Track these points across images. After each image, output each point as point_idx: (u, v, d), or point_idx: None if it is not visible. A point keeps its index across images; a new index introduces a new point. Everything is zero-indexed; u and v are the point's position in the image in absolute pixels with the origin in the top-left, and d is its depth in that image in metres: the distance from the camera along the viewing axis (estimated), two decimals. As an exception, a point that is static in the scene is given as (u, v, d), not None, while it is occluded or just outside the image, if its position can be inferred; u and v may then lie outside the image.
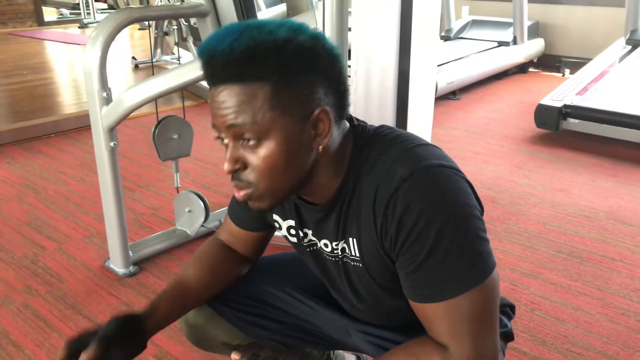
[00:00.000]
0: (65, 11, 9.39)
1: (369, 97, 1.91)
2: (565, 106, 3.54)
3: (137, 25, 8.48)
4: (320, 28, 1.70)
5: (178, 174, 2.29)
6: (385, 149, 0.86)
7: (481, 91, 4.89)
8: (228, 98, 0.78)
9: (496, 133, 3.80)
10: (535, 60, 5.63)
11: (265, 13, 5.59)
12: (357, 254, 0.92)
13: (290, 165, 0.82)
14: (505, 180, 2.97)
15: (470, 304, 0.80)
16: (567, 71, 5.35)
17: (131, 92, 1.77)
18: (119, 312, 0.98)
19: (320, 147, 0.83)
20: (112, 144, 1.89)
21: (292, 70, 0.78)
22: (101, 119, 1.84)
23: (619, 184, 2.92)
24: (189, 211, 2.28)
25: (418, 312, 0.86)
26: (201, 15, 2.05)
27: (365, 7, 1.82)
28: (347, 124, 0.90)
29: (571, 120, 3.55)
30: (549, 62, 5.64)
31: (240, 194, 0.85)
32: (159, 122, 2.10)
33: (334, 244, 0.95)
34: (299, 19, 1.75)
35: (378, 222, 0.85)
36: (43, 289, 1.99)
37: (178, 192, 2.31)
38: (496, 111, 4.34)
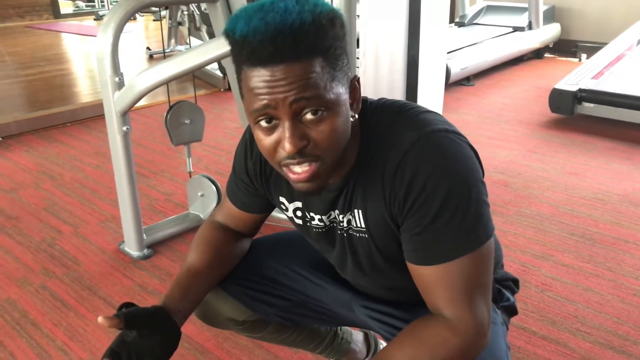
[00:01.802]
0: (81, 3, 9.48)
1: (378, 80, 1.91)
2: (580, 90, 3.50)
3: (151, 17, 8.53)
4: (328, 10, 1.70)
5: (190, 158, 2.32)
6: (392, 119, 0.88)
7: (496, 77, 4.85)
8: (291, 73, 0.74)
9: (510, 118, 3.77)
10: (551, 46, 5.56)
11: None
12: (363, 225, 0.94)
13: (346, 134, 0.83)
14: (518, 164, 2.96)
15: (467, 267, 0.82)
16: (584, 56, 5.27)
17: (143, 76, 1.79)
18: (137, 307, 0.96)
19: (356, 115, 0.85)
20: (125, 128, 1.92)
21: (340, 41, 0.79)
22: (114, 103, 1.87)
23: (633, 167, 2.89)
24: (202, 195, 2.31)
25: (416, 276, 0.88)
26: (211, 0, 2.07)
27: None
28: None
29: (586, 104, 3.51)
30: (565, 47, 5.56)
31: (304, 174, 0.81)
32: (170, 107, 2.13)
33: (340, 216, 0.97)
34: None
35: (387, 188, 0.86)
36: (60, 271, 2.04)
37: (190, 176, 2.34)
38: (510, 96, 4.30)
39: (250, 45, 0.74)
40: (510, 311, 1.14)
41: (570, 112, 3.55)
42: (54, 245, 2.22)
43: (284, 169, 0.83)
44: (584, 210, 2.42)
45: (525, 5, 5.28)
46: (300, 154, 0.79)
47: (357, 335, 1.50)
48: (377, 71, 1.86)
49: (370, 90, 1.86)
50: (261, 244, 1.24)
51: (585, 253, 2.09)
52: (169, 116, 2.13)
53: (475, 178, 0.84)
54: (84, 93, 4.57)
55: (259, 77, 0.76)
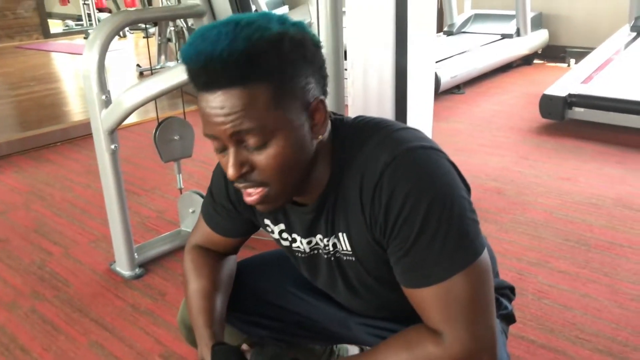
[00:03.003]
0: (71, 23, 9.49)
1: (367, 91, 1.90)
2: (570, 95, 3.51)
3: (141, 34, 8.54)
4: (314, 23, 1.70)
5: (181, 175, 2.30)
6: (366, 139, 0.85)
7: (486, 84, 4.86)
8: (228, 103, 0.74)
9: (501, 125, 3.77)
10: (539, 52, 5.59)
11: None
12: (349, 248, 0.91)
13: (298, 161, 0.81)
14: (511, 171, 2.95)
15: (461, 286, 0.79)
16: (573, 61, 5.30)
17: (130, 93, 1.77)
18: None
19: (320, 137, 0.83)
20: (113, 146, 1.90)
21: (291, 64, 0.76)
22: (101, 121, 1.85)
23: (626, 171, 2.89)
24: (193, 212, 2.28)
25: (411, 298, 0.85)
26: (198, 15, 2.06)
27: (359, 2, 1.81)
28: None
29: (576, 109, 3.52)
30: (553, 52, 5.60)
31: (252, 198, 0.82)
32: (159, 124, 2.11)
33: (324, 240, 0.94)
34: (293, 13, 1.74)
35: (366, 212, 0.84)
36: (50, 293, 2.00)
37: (181, 193, 2.32)
38: (501, 103, 4.31)
39: (190, 72, 0.76)
40: (509, 319, 1.12)
41: (561, 117, 3.56)
42: (44, 267, 2.18)
43: (239, 190, 0.84)
44: (578, 216, 2.41)
45: (513, 12, 5.32)
46: (244, 179, 0.81)
47: (354, 350, 1.47)
48: (366, 82, 1.85)
49: (359, 100, 1.85)
50: (249, 266, 1.21)
51: (581, 259, 2.08)
52: (158, 133, 2.11)
53: (454, 193, 0.81)
54: (75, 112, 4.55)
55: (204, 102, 0.77)
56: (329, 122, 0.87)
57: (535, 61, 5.63)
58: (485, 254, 0.82)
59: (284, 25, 0.76)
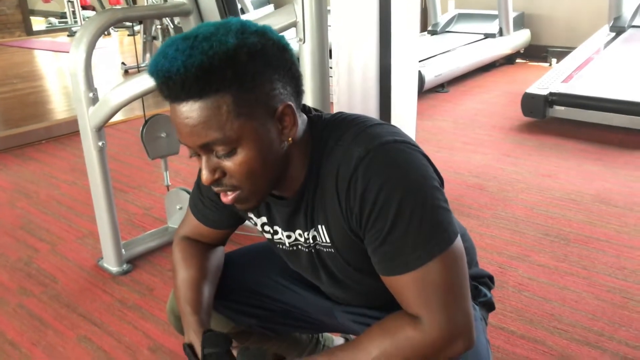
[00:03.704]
0: (54, 20, 9.40)
1: (352, 89, 1.94)
2: (550, 94, 3.58)
3: (126, 32, 8.49)
4: (300, 22, 1.73)
5: (167, 172, 2.32)
6: (342, 134, 0.89)
7: (469, 83, 4.93)
8: (192, 115, 0.79)
9: (484, 123, 3.83)
10: (522, 51, 5.67)
11: (253, 14, 5.62)
12: (328, 240, 0.95)
13: (267, 164, 0.85)
14: (493, 168, 3.01)
15: (435, 272, 0.82)
16: (554, 61, 5.39)
17: (117, 91, 1.79)
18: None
19: (290, 139, 0.86)
20: (100, 143, 1.91)
21: (249, 75, 0.79)
22: (89, 119, 1.87)
23: (604, 168, 2.96)
24: (180, 208, 2.30)
25: (389, 285, 0.88)
26: (184, 14, 2.08)
27: (344, 2, 1.85)
28: (304, 116, 0.93)
29: (557, 107, 3.59)
30: (535, 52, 5.68)
31: (227, 199, 0.88)
32: (146, 121, 2.13)
33: (305, 234, 0.98)
34: (278, 13, 1.77)
35: (342, 204, 0.88)
36: (37, 289, 2.01)
37: (168, 190, 2.34)
38: (484, 102, 4.38)
39: (156, 85, 0.80)
40: (489, 306, 1.16)
41: (542, 116, 3.63)
42: (31, 264, 2.19)
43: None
44: (558, 211, 2.48)
45: (496, 12, 5.40)
46: (217, 184, 0.86)
47: (339, 341, 1.51)
48: (351, 80, 1.89)
49: (344, 98, 1.89)
50: (237, 256, 1.24)
51: (560, 253, 2.14)
52: (144, 130, 2.13)
53: (427, 184, 0.84)
54: (59, 110, 4.53)
55: (172, 112, 0.82)
56: (302, 122, 0.90)
57: (518, 60, 5.71)
58: (458, 241, 0.85)
59: (242, 36, 0.79)
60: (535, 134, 3.57)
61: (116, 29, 8.73)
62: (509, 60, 5.60)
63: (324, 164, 0.89)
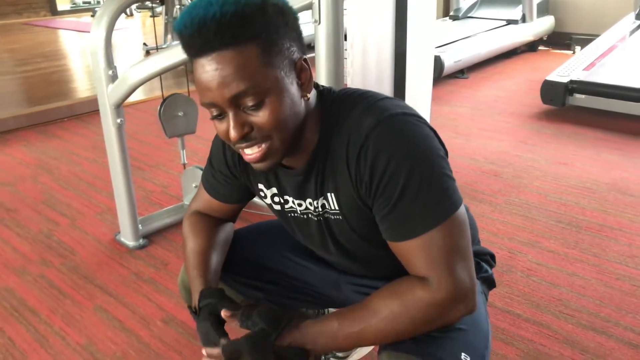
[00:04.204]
0: (78, 0, 9.50)
1: (366, 72, 1.95)
2: (571, 82, 3.54)
3: (148, 13, 8.55)
4: (315, 3, 1.74)
5: (184, 150, 2.36)
6: (352, 106, 0.93)
7: (490, 70, 4.89)
8: (223, 65, 0.81)
9: (503, 110, 3.81)
10: (545, 38, 5.59)
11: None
12: (337, 207, 0.98)
13: (293, 115, 0.88)
14: (509, 155, 3.00)
15: (442, 236, 0.86)
16: (578, 48, 5.30)
17: (135, 69, 1.83)
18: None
19: (307, 95, 0.90)
20: (119, 120, 1.96)
21: (274, 27, 0.84)
22: (108, 96, 1.91)
23: (623, 157, 2.93)
24: (196, 186, 2.35)
25: (397, 251, 0.92)
26: (203, -6, 2.10)
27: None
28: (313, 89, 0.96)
29: (577, 95, 3.55)
30: (559, 39, 5.60)
31: (253, 155, 0.88)
32: (164, 100, 2.17)
33: (315, 202, 1.01)
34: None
35: (352, 171, 0.91)
36: (57, 261, 2.08)
37: (185, 168, 2.38)
38: (504, 89, 4.34)
39: (185, 39, 0.82)
40: (489, 283, 1.18)
41: (562, 104, 3.59)
42: (52, 237, 2.26)
43: (240, 151, 0.90)
44: (572, 199, 2.47)
45: (520, -2, 5.32)
46: (246, 139, 0.87)
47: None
48: (365, 63, 1.90)
49: (358, 80, 1.90)
50: (246, 232, 1.28)
51: (571, 239, 2.14)
52: (162, 108, 2.17)
53: (434, 154, 0.88)
54: (81, 88, 4.61)
55: (200, 68, 0.83)
56: (313, 85, 0.93)
57: (541, 48, 5.63)
58: (462, 207, 0.89)
59: None
60: (554, 121, 3.54)
61: (139, 10, 8.80)
62: (531, 47, 5.53)
63: (335, 134, 0.93)
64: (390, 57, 1.95)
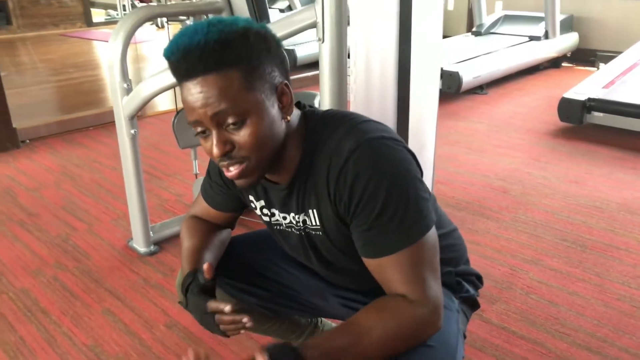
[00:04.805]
0: (113, 12, 9.81)
1: (369, 89, 1.99)
2: (589, 99, 3.52)
3: (179, 25, 8.78)
4: (319, 22, 1.80)
5: (197, 161, 2.44)
6: (334, 128, 0.99)
7: (510, 86, 4.88)
8: (206, 88, 0.87)
9: (519, 127, 3.80)
10: (569, 55, 5.55)
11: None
12: (317, 223, 1.04)
13: (272, 136, 0.94)
14: (520, 172, 3.00)
15: (417, 253, 0.93)
16: (602, 65, 5.24)
17: (148, 82, 1.92)
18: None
19: (288, 117, 0.96)
20: (132, 131, 2.05)
21: (256, 53, 0.90)
22: (122, 108, 2.01)
23: (637, 176, 2.90)
24: (207, 196, 2.42)
25: (372, 268, 0.97)
26: (217, 12, 2.19)
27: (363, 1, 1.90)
28: (297, 110, 1.03)
29: (595, 113, 3.52)
30: (583, 56, 5.55)
31: (233, 172, 0.95)
32: (178, 112, 2.26)
33: (296, 217, 1.07)
34: (300, 13, 1.85)
35: (331, 191, 0.97)
36: (71, 264, 2.18)
37: (197, 178, 2.46)
38: (522, 105, 4.33)
39: (172, 65, 0.90)
40: (471, 303, 1.21)
41: (579, 121, 3.56)
42: (68, 241, 2.36)
43: (222, 168, 0.96)
44: (580, 218, 2.46)
45: (544, 14, 5.30)
46: (227, 157, 0.93)
47: (337, 328, 1.58)
48: (368, 80, 1.95)
49: (361, 98, 1.95)
50: (242, 239, 1.34)
51: (575, 258, 2.13)
52: (176, 120, 2.26)
53: (411, 177, 0.94)
54: (109, 98, 4.77)
55: (186, 91, 0.90)
56: (294, 107, 1.00)
57: (564, 64, 5.59)
58: (434, 228, 0.96)
59: (249, 24, 0.91)
60: (570, 139, 3.52)
61: (170, 23, 9.02)
62: (554, 63, 5.49)
63: (317, 153, 0.98)
64: (394, 75, 1.99)
